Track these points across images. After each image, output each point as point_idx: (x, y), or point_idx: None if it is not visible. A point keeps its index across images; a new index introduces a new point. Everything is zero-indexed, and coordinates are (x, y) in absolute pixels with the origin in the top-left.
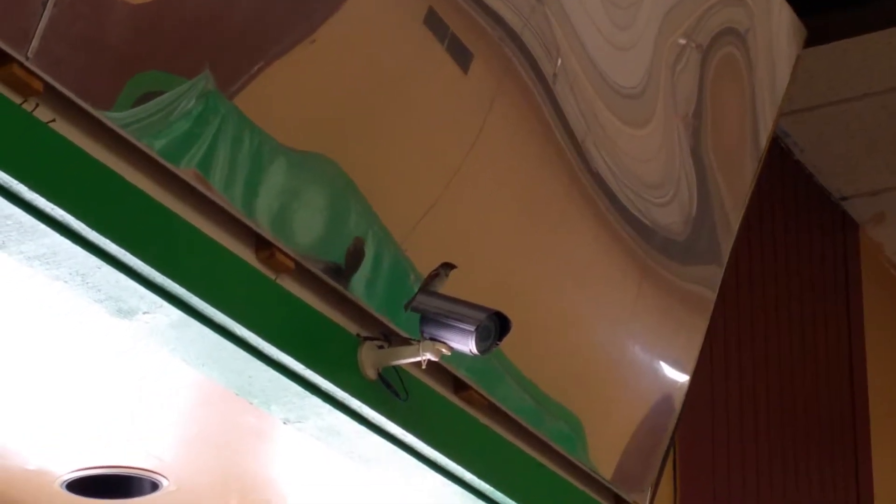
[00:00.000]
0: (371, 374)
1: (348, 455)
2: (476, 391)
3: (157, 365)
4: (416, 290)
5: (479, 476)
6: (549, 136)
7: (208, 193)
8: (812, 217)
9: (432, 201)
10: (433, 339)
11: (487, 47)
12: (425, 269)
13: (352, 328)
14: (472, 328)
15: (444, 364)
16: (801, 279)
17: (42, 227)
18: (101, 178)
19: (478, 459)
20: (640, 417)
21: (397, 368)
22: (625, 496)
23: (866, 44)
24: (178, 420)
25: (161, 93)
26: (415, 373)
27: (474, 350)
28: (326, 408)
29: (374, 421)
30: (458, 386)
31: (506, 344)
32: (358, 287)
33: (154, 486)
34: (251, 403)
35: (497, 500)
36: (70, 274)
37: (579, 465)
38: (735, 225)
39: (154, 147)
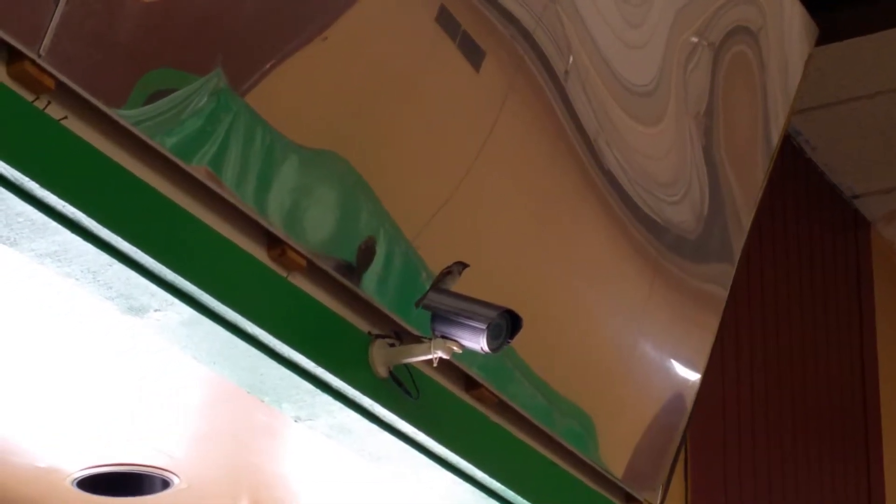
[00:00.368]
0: (382, 371)
1: (359, 453)
2: (487, 389)
3: (167, 363)
4: (427, 287)
5: (491, 474)
6: (560, 133)
7: (220, 191)
8: (824, 215)
9: (444, 199)
10: (444, 337)
11: (499, 45)
12: (437, 267)
13: (363, 326)
14: (484, 326)
15: (456, 362)
16: (813, 277)
17: (53, 224)
18: (112, 175)
19: (489, 457)
20: (651, 416)
21: (409, 366)
22: (636, 494)
23: (878, 41)
24: (189, 418)
25: (173, 90)
26: (426, 371)
27: (486, 348)
28: (338, 405)
29: (385, 419)
30: (470, 384)
31: (517, 342)
32: (369, 285)
33: (165, 484)
34: (262, 401)
35: (508, 498)
36: (81, 271)
37: (590, 463)
38: (747, 223)
39: (166, 144)
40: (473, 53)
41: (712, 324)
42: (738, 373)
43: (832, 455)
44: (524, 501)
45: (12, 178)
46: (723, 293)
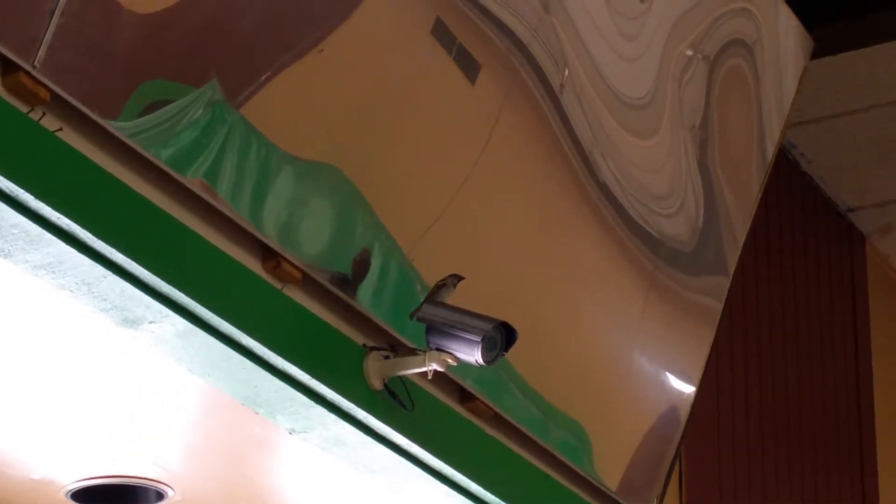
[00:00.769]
0: (377, 384)
1: (354, 465)
2: (482, 401)
3: (161, 375)
4: (422, 300)
5: (485, 487)
6: (556, 146)
7: (215, 203)
8: (819, 228)
9: (439, 211)
10: (439, 350)
11: (495, 58)
12: (432, 280)
13: (358, 338)
14: (479, 338)
15: (450, 374)
16: (808, 290)
17: (48, 235)
18: (107, 187)
19: (483, 470)
20: (646, 428)
21: (403, 379)
22: None
23: (873, 55)
24: (184, 430)
25: (168, 102)
26: (421, 383)
27: (480, 360)
28: (332, 418)
29: (379, 431)
30: (464, 396)
31: (512, 354)
32: (364, 297)
33: (159, 496)
34: (257, 413)
35: None
36: (76, 283)
37: (585, 476)
38: (741, 236)
39: (161, 156)
40: (469, 66)
41: (707, 336)
42: (732, 385)
43: (827, 467)
44: None
45: (7, 190)
46: (717, 306)
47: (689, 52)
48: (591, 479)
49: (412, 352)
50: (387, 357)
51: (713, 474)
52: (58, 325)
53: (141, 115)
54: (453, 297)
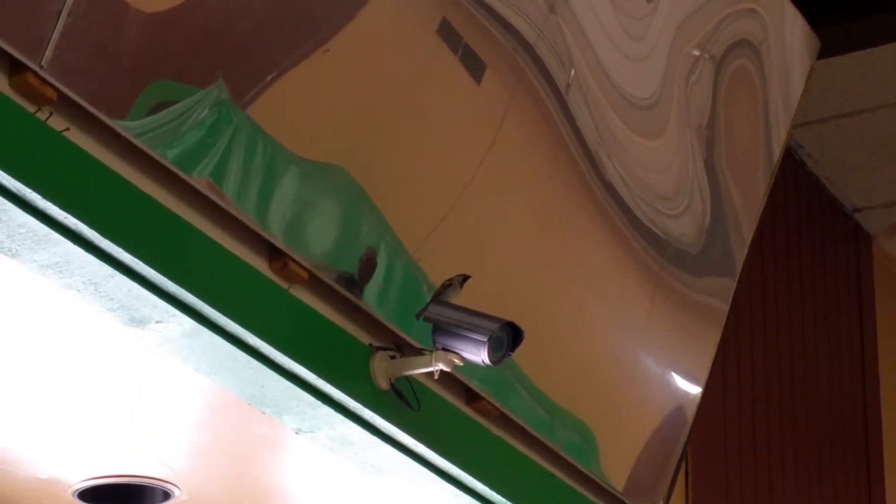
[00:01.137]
0: (383, 384)
1: (360, 465)
2: (488, 402)
3: (168, 375)
4: (428, 300)
5: (491, 487)
6: (562, 146)
7: (221, 203)
8: (825, 229)
9: (445, 212)
10: (446, 350)
11: (500, 58)
12: (438, 280)
13: (364, 338)
14: (485, 338)
15: (457, 374)
16: (814, 291)
17: (55, 235)
18: (114, 187)
19: (490, 470)
20: (652, 429)
21: (410, 379)
22: None
23: (880, 55)
24: (190, 429)
25: (175, 102)
26: (427, 383)
27: (487, 360)
28: (339, 418)
29: (386, 431)
30: (471, 396)
31: (518, 354)
32: (371, 297)
33: (166, 496)
34: (263, 413)
35: None
36: (83, 283)
37: (591, 476)
38: (748, 237)
39: (167, 156)
40: (475, 66)
41: (713, 337)
42: (739, 385)
43: (833, 468)
44: None
45: (14, 190)
46: (724, 307)
47: (696, 53)
48: (597, 479)
49: (418, 352)
50: (393, 357)
51: (719, 475)
52: (65, 324)
53: (148, 115)
54: (459, 297)
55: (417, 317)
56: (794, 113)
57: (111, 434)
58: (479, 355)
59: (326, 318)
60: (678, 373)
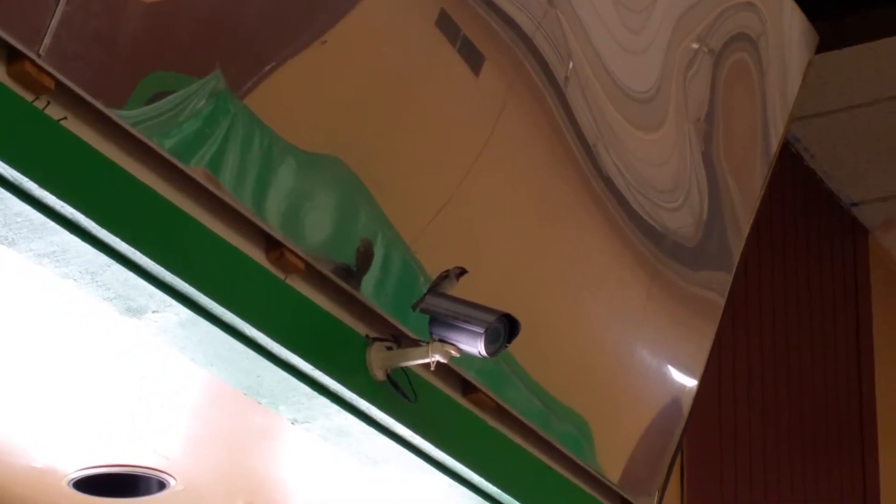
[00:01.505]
0: (380, 375)
1: (356, 456)
2: (484, 393)
3: (164, 364)
4: (425, 291)
5: (487, 478)
6: (560, 139)
7: (218, 193)
8: (822, 223)
9: (442, 203)
10: (442, 341)
11: (499, 50)
12: (435, 271)
13: (361, 329)
14: (482, 330)
15: (453, 366)
16: (811, 285)
17: (52, 224)
18: (111, 176)
19: (485, 462)
20: (648, 421)
21: (406, 370)
22: (632, 500)
23: (878, 49)
24: (186, 419)
25: (172, 92)
26: (423, 374)
27: (483, 352)
28: (335, 408)
29: (382, 422)
30: (467, 388)
31: (514, 346)
32: (367, 288)
33: (161, 486)
34: (259, 403)
35: (504, 502)
36: (79, 272)
37: (587, 468)
38: (745, 230)
39: (164, 146)
40: (473, 58)
41: (710, 330)
42: (734, 379)
43: (828, 461)
44: None
45: (11, 178)
46: (720, 300)
47: (694, 46)
48: (592, 471)
49: (415, 343)
50: (390, 348)
51: (715, 467)
52: (60, 314)
53: (146, 104)
54: (456, 289)
55: (414, 308)
56: (791, 107)
57: (106, 424)
58: (475, 347)
59: (323, 309)
60: (674, 365)
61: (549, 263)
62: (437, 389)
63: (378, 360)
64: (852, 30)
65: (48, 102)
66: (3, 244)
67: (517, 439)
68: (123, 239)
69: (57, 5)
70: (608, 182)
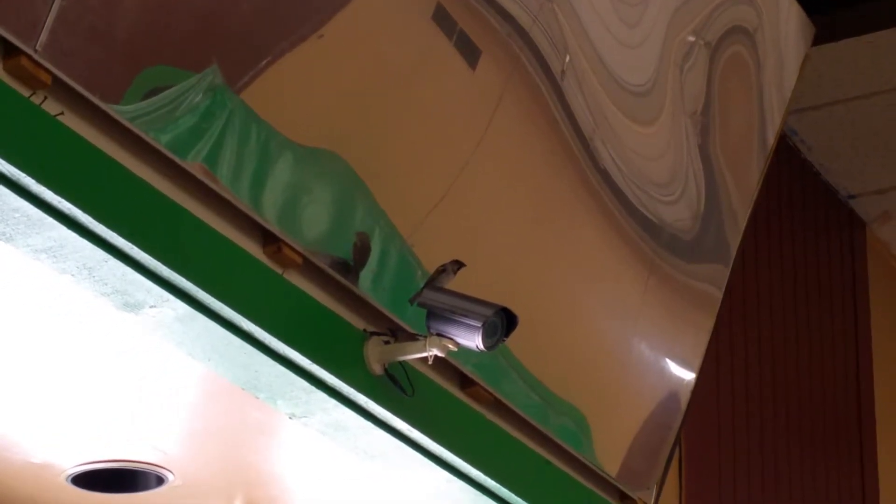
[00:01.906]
0: (377, 369)
1: (354, 450)
2: (482, 387)
3: (162, 359)
4: (422, 285)
5: (485, 472)
6: (556, 133)
7: (215, 187)
8: (819, 215)
9: (439, 197)
10: (440, 335)
11: (495, 44)
12: (432, 265)
13: (358, 323)
14: (479, 324)
15: (451, 360)
16: (808, 277)
17: (49, 220)
18: (108, 171)
19: (483, 456)
20: (646, 415)
21: (403, 364)
22: (630, 493)
23: (875, 42)
24: (184, 414)
25: (169, 87)
26: (421, 368)
27: (481, 346)
28: (332, 403)
29: (380, 416)
30: (465, 382)
31: (512, 340)
32: (365, 282)
33: (159, 481)
34: (257, 398)
35: (502, 496)
36: (77, 267)
37: (585, 461)
38: (742, 223)
39: (161, 141)
40: (470, 52)
41: (707, 323)
42: (732, 373)
43: (826, 454)
44: (518, 499)
45: (8, 174)
46: (718, 293)
47: (691, 39)
48: (590, 465)
49: (413, 337)
50: (387, 342)
51: (713, 460)
52: (58, 309)
53: (143, 99)
54: (453, 283)
55: (411, 302)
56: (788, 100)
57: (105, 419)
58: (473, 341)
59: (320, 303)
60: (672, 359)
61: (546, 257)
62: (435, 383)
63: (376, 354)
64: (849, 22)
65: (45, 98)
66: (0, 240)
67: (515, 433)
68: (121, 234)
69: (53, 1)
70: (605, 175)
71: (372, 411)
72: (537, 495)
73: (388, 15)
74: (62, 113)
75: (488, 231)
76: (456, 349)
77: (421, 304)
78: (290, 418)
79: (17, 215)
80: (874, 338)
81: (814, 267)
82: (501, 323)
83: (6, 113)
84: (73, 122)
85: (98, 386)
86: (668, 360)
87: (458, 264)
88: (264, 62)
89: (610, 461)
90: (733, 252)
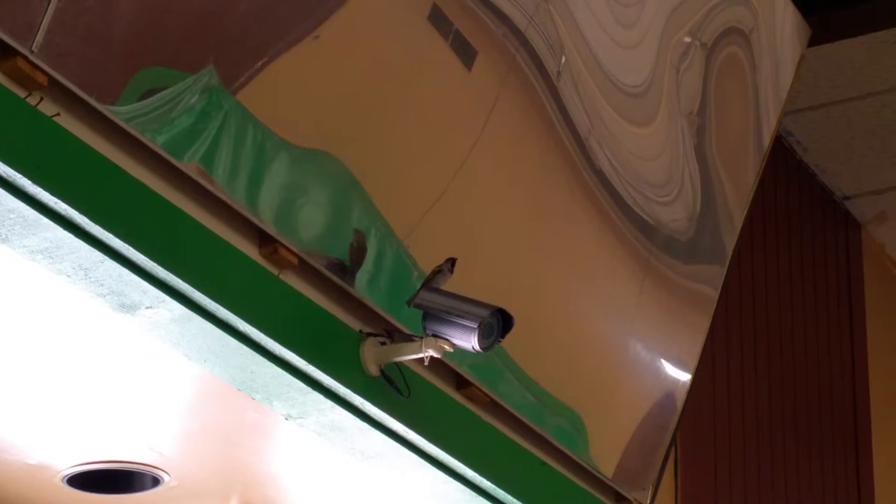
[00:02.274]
0: (373, 370)
1: (350, 451)
2: (478, 388)
3: (158, 360)
4: (418, 286)
5: (481, 473)
6: (552, 133)
7: (211, 188)
8: (815, 216)
9: (435, 198)
10: (436, 336)
11: (491, 44)
12: (428, 266)
13: (354, 324)
14: (475, 325)
15: (447, 361)
16: (804, 278)
17: (45, 220)
18: (104, 172)
19: (479, 456)
20: (641, 415)
21: (399, 365)
22: (626, 494)
23: (870, 43)
24: (180, 415)
25: (165, 88)
26: (417, 369)
27: (477, 347)
28: (328, 404)
29: (375, 417)
30: (460, 383)
31: (507, 341)
32: (361, 283)
33: (155, 482)
34: (253, 399)
35: (498, 497)
36: (73, 268)
37: (580, 462)
38: (738, 224)
39: (157, 141)
40: (465, 52)
41: (703, 324)
42: (728, 373)
43: (822, 455)
44: (514, 500)
45: (4, 175)
46: (713, 294)
47: (687, 40)
48: (586, 466)
49: (409, 338)
50: (383, 343)
51: (708, 461)
52: (55, 310)
53: (139, 100)
54: (449, 284)
55: (408, 303)
56: (784, 100)
57: (101, 420)
58: (469, 342)
59: (316, 304)
60: (668, 360)
61: (541, 258)
62: (431, 384)
63: (372, 355)
64: (844, 23)
65: (41, 98)
66: None
67: (511, 434)
68: (117, 235)
69: (49, 2)
70: (601, 176)
71: (368, 412)
72: (533, 496)
73: (384, 16)
74: (58, 114)
75: (484, 232)
76: (452, 350)
77: (417, 306)
78: (286, 419)
79: (13, 216)
80: (869, 338)
81: (810, 267)
82: (497, 324)
83: (2, 114)
84: (70, 123)
85: (94, 387)
86: (663, 361)
87: (452, 261)
88: (260, 63)
89: (605, 462)
90: (729, 253)
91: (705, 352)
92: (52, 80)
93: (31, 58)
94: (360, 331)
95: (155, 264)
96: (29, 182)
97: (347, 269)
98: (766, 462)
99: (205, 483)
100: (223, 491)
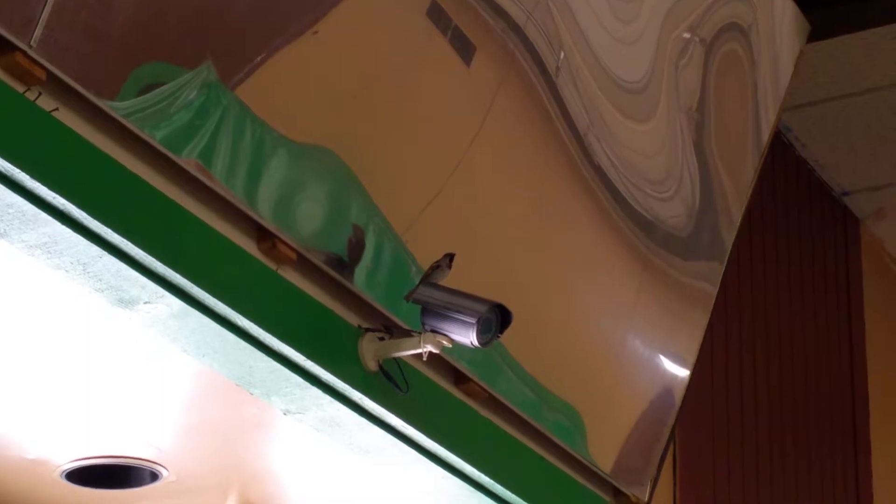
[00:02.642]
0: (372, 365)
1: (348, 447)
2: (477, 384)
3: (157, 356)
4: (417, 281)
5: (479, 468)
6: (551, 129)
7: (210, 183)
8: (813, 212)
9: (434, 193)
10: (434, 331)
11: (490, 40)
12: (426, 261)
13: (353, 319)
14: (474, 320)
15: (445, 356)
16: (802, 274)
17: (43, 215)
18: (103, 167)
19: (478, 452)
20: (640, 411)
21: (398, 360)
22: (624, 490)
23: (869, 39)
24: (179, 410)
25: (164, 83)
26: (415, 365)
27: (475, 342)
28: (327, 399)
29: (374, 413)
30: (459, 378)
31: (506, 337)
32: (359, 278)
33: (154, 477)
34: (252, 394)
35: (496, 492)
36: (71, 263)
37: (579, 458)
38: (737, 220)
39: (156, 137)
40: (464, 48)
41: (702, 320)
42: (726, 369)
43: (820, 451)
44: (512, 496)
45: (3, 170)
46: (712, 290)
47: (686, 36)
48: (584, 462)
49: (407, 333)
50: (382, 339)
51: (706, 457)
52: (53, 306)
53: (137, 95)
54: (448, 279)
55: (407, 299)
56: (783, 96)
57: (99, 415)
58: (467, 337)
59: (315, 300)
60: (666, 356)
61: (540, 254)
62: (430, 380)
63: (370, 350)
64: (843, 19)
65: (40, 93)
66: None
67: (509, 430)
68: (115, 230)
69: None
70: (599, 172)
71: (366, 407)
72: (531, 491)
73: (382, 11)
74: (57, 109)
75: (483, 227)
76: (450, 345)
77: (416, 301)
78: (285, 414)
79: (11, 211)
80: (868, 334)
81: (808, 263)
82: (496, 319)
83: (1, 109)
84: (68, 118)
85: (92, 382)
86: (662, 357)
87: (450, 256)
88: (259, 58)
89: (604, 457)
90: (728, 249)
91: (704, 348)
92: (50, 75)
93: (30, 52)
94: (359, 326)
95: (153, 259)
96: (27, 177)
97: (346, 265)
98: (764, 457)
99: (203, 478)
100: (222, 486)
